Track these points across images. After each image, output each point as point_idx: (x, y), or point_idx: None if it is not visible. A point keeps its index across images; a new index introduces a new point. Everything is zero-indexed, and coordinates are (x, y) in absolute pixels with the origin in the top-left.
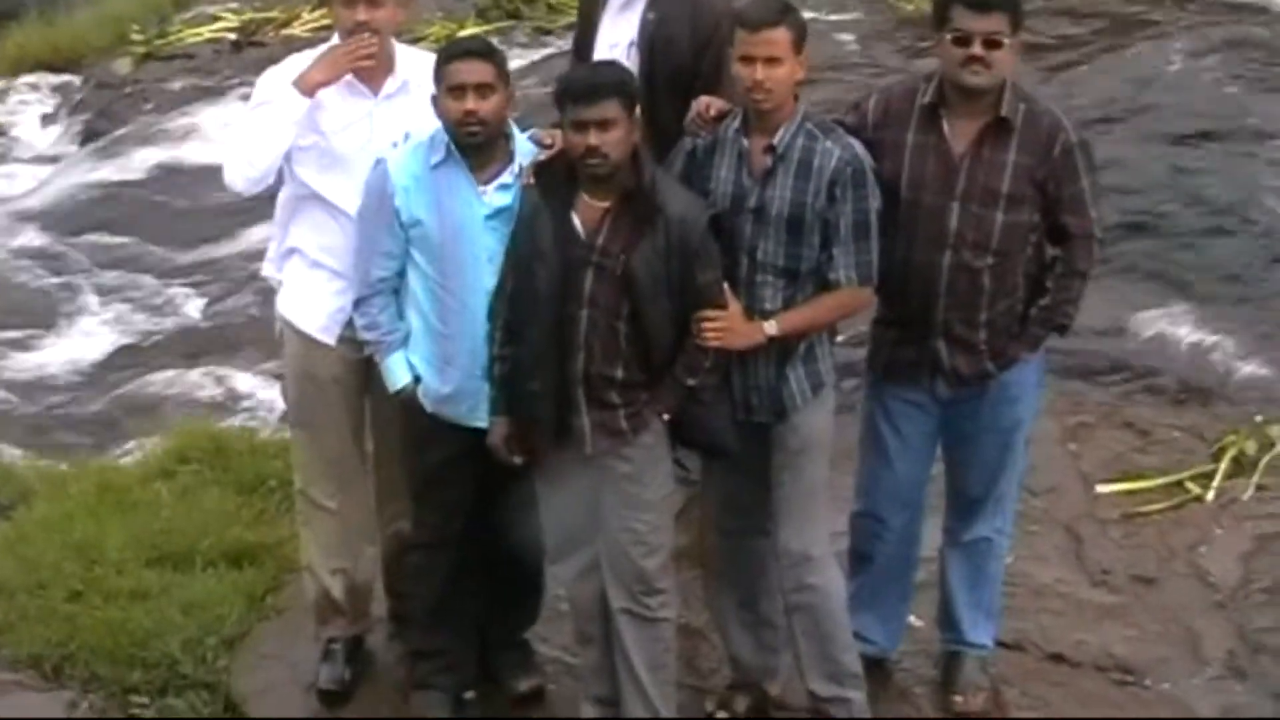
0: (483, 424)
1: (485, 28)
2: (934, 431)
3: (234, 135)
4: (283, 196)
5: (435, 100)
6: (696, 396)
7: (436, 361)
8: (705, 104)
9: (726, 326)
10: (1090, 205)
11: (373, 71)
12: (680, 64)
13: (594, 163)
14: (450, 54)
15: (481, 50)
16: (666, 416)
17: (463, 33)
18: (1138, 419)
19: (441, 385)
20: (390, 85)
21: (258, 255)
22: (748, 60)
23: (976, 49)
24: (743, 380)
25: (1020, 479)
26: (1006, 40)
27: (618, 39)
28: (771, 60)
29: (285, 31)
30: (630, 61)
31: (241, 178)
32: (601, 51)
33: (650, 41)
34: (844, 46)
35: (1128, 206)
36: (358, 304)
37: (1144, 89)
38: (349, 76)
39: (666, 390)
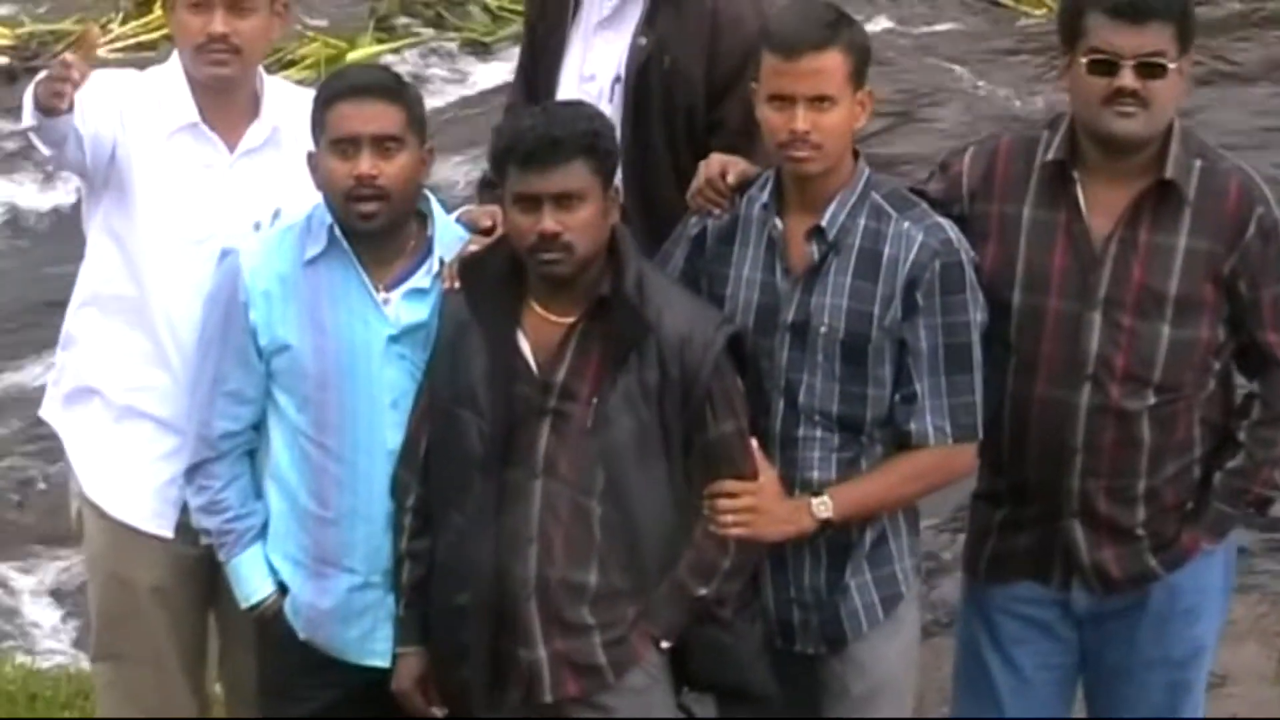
0: (382, 660)
1: (389, 47)
2: (1069, 664)
3: None
4: (80, 296)
5: (313, 160)
6: (712, 614)
7: (309, 562)
8: (719, 166)
9: (755, 505)
10: None
11: (228, 112)
12: (690, 109)
13: (551, 258)
14: (336, 90)
15: (382, 85)
16: (666, 644)
17: (354, 55)
18: None
19: (317, 598)
20: (254, 135)
21: (35, 390)
22: (782, 100)
23: (1127, 78)
24: (779, 590)
25: None
26: (1171, 64)
27: (595, 69)
28: (819, 100)
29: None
30: (614, 105)
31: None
32: (569, 89)
33: (644, 76)
34: (931, 74)
35: None
36: (191, 473)
37: None
38: (194, 118)
39: (665, 604)
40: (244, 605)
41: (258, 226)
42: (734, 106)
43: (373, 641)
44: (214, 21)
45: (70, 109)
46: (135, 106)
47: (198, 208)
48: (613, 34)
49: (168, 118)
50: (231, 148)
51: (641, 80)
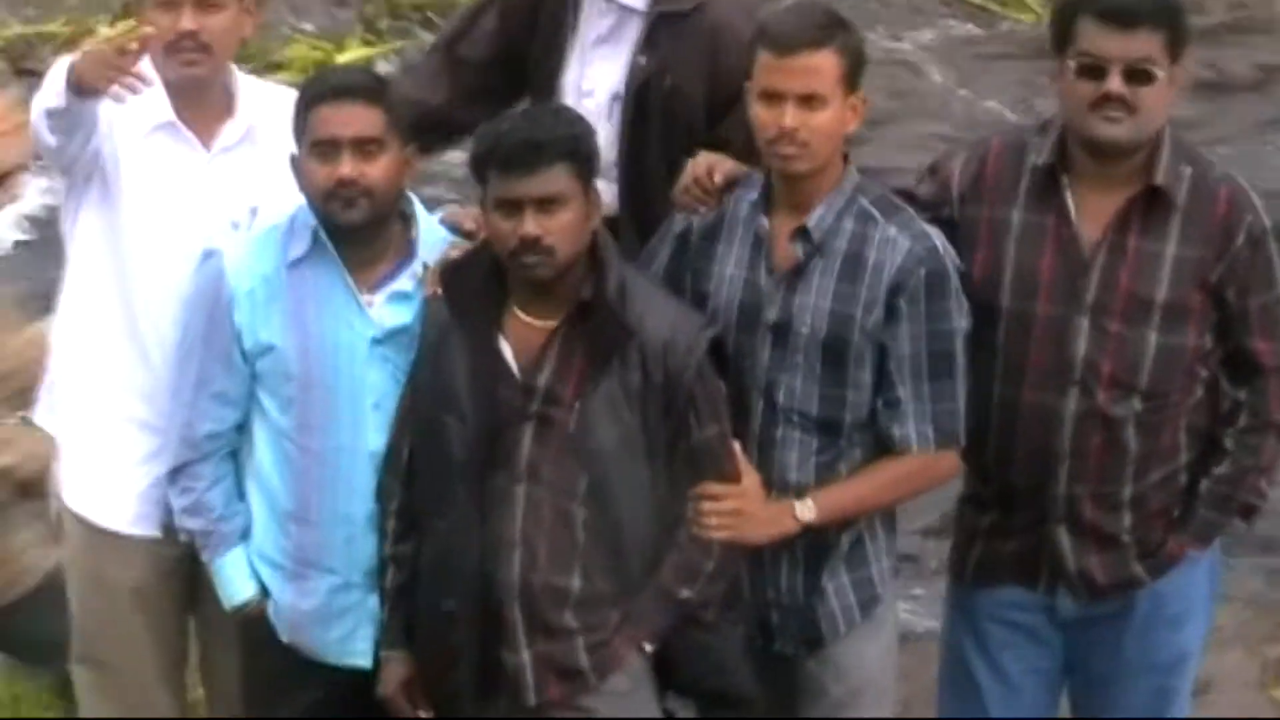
0: (363, 660)
1: (376, 51)
2: (1055, 670)
3: None
4: (64, 298)
5: (295, 162)
6: (695, 616)
7: (289, 564)
8: (706, 165)
9: (739, 509)
10: None
11: (203, 111)
12: (690, 128)
13: (532, 261)
14: (317, 93)
15: (364, 87)
16: (649, 647)
17: (342, 58)
18: None
19: (297, 600)
20: (230, 133)
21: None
22: (773, 98)
23: (1114, 84)
24: (757, 591)
25: None
26: (1160, 71)
27: (593, 85)
28: (809, 99)
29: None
30: (612, 122)
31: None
32: (569, 100)
33: (644, 95)
34: (923, 79)
35: None
36: (175, 475)
37: None
38: (170, 117)
39: (649, 607)
40: (228, 607)
41: (236, 226)
42: (736, 125)
43: (353, 642)
44: (182, 19)
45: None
46: (115, 105)
47: (177, 206)
48: (610, 50)
49: (145, 116)
50: (208, 146)
51: (641, 99)
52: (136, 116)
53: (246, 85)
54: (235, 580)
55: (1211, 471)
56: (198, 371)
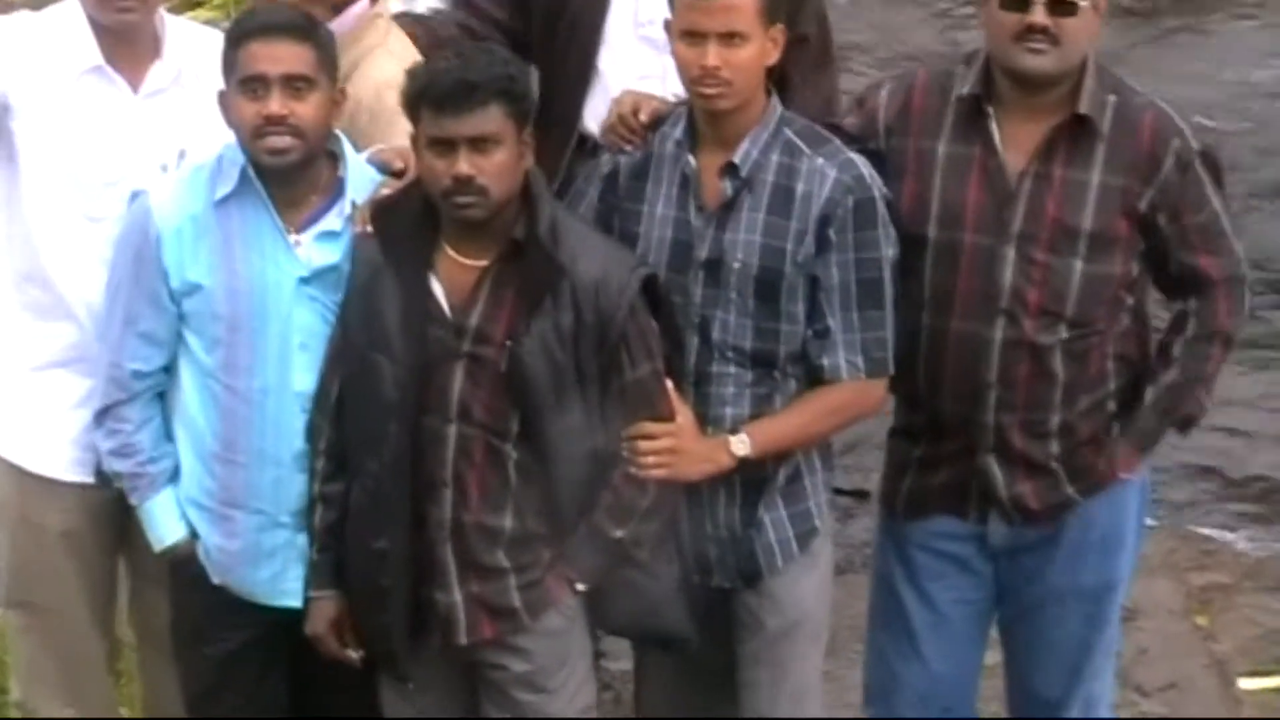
0: (294, 600)
1: None
2: (985, 599)
3: None
4: None
5: (224, 99)
6: (629, 555)
7: (215, 505)
8: (631, 104)
9: (674, 446)
10: (1230, 235)
11: (132, 54)
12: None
13: (465, 201)
14: (246, 29)
15: (292, 25)
16: (582, 587)
17: None
18: None
19: (225, 540)
20: (158, 76)
21: None
22: (694, 36)
23: (1038, 15)
24: (695, 526)
25: (1116, 670)
26: (1084, 2)
27: (654, 14)
28: (730, 37)
29: None
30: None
31: None
32: (621, 37)
33: None
34: (843, 10)
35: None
36: (102, 416)
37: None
38: (98, 60)
39: (582, 547)
40: (157, 549)
41: (164, 169)
42: (809, 18)
43: (283, 582)
44: None
45: None
46: (32, 51)
47: (105, 150)
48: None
49: (71, 60)
50: (136, 89)
51: None
52: (64, 60)
53: (173, 27)
54: (164, 522)
55: (1159, 379)
56: (124, 310)
